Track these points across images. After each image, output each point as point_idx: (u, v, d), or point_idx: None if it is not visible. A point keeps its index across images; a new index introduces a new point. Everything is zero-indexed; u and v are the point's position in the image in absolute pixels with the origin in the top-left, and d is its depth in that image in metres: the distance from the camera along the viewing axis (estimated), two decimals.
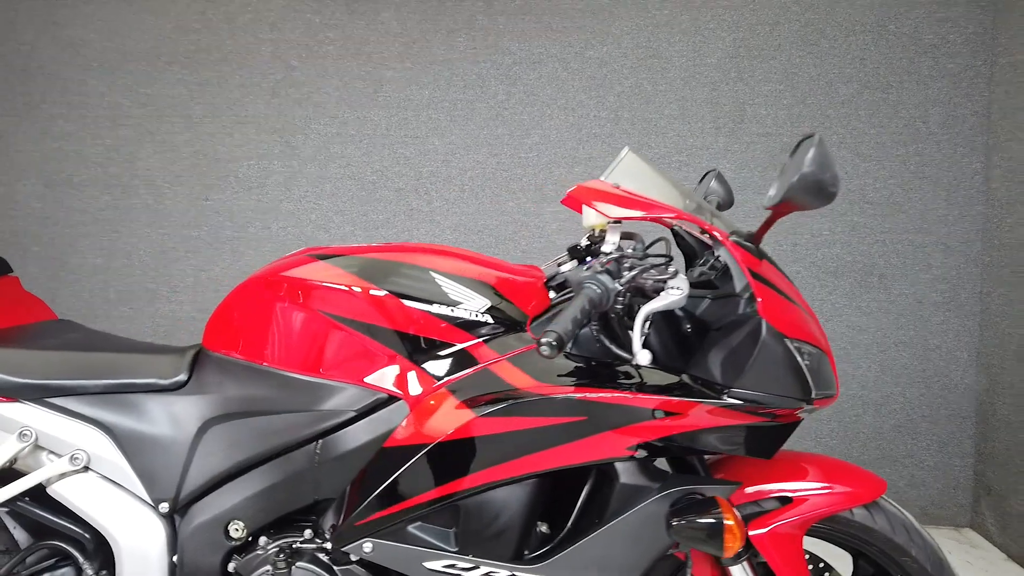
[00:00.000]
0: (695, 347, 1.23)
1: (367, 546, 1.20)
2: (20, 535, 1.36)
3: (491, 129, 3.08)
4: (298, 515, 1.29)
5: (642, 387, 1.18)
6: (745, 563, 1.22)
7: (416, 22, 3.07)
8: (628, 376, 1.22)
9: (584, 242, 1.42)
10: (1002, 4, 2.82)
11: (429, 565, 1.18)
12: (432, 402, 1.20)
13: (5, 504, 1.28)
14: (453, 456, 1.15)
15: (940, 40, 2.90)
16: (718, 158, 3.03)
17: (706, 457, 1.32)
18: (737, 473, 1.28)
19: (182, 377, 1.31)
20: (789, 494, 1.24)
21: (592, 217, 1.27)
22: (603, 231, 1.29)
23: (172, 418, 1.29)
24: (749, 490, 1.26)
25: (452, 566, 1.18)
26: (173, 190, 3.15)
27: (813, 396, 1.16)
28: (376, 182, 3.12)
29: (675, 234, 1.47)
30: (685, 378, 1.21)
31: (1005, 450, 2.73)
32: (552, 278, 1.40)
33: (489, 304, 1.27)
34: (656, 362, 1.23)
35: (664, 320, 1.27)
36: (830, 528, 1.29)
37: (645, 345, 1.21)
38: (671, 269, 1.16)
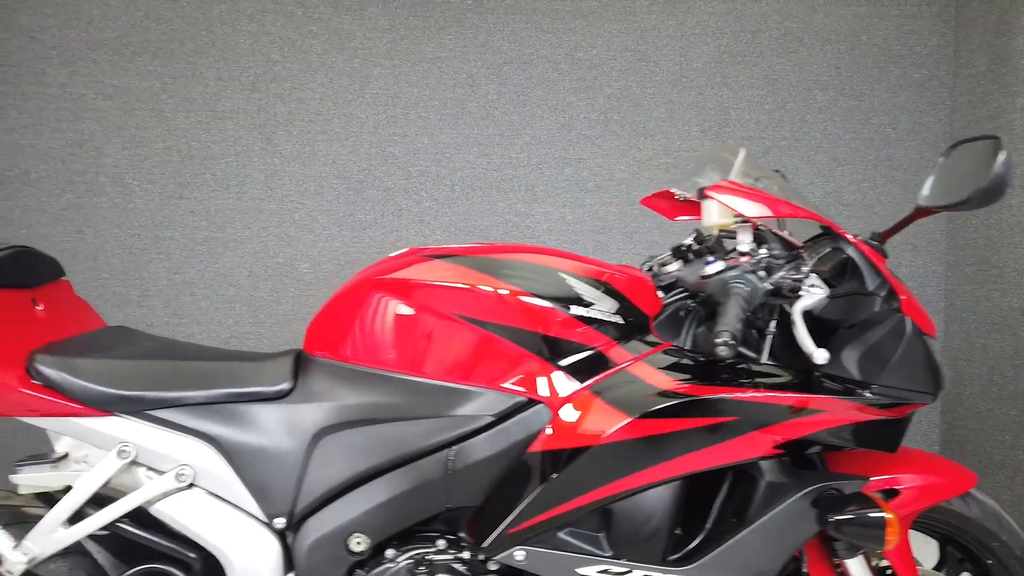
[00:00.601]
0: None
1: (519, 554, 1.17)
2: (105, 559, 1.24)
3: (481, 129, 3.06)
4: (418, 525, 1.24)
5: (780, 385, 1.21)
6: (862, 556, 1.27)
7: (404, 18, 3.00)
8: (757, 375, 1.24)
9: (687, 242, 1.43)
10: (963, 19, 3.02)
11: (582, 571, 1.16)
12: (578, 405, 1.18)
13: (105, 527, 1.17)
14: (610, 459, 1.14)
15: (907, 51, 3.08)
16: None
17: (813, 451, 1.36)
18: (846, 467, 1.33)
19: (286, 385, 1.24)
20: (896, 487, 1.30)
21: (715, 216, 1.28)
22: (723, 231, 1.30)
23: (282, 428, 1.21)
24: None
25: (606, 571, 1.17)
26: (143, 188, 2.97)
27: (941, 391, 1.21)
28: (363, 181, 3.04)
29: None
30: (818, 375, 1.24)
31: (970, 440, 2.93)
32: (655, 277, 1.40)
33: (617, 305, 1.26)
34: (776, 359, 1.25)
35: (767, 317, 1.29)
36: (925, 517, 1.36)
37: (755, 343, 1.24)
38: (804, 268, 1.18)
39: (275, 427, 1.21)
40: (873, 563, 1.34)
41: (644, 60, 3.07)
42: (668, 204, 1.63)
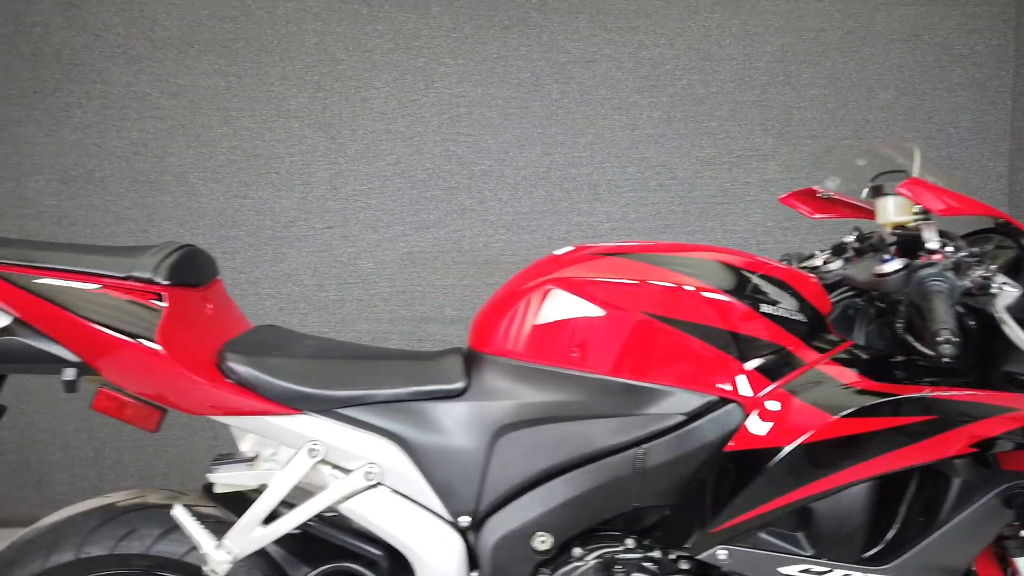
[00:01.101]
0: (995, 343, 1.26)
1: (722, 554, 1.17)
2: (284, 558, 1.24)
3: (545, 128, 3.06)
4: (598, 524, 1.24)
5: (963, 383, 1.21)
6: None
7: (468, 17, 3.00)
8: (934, 371, 1.24)
9: (848, 239, 1.43)
10: None
11: (784, 570, 1.17)
12: (776, 404, 1.18)
13: (298, 527, 1.17)
14: (812, 459, 1.15)
15: (968, 50, 3.09)
16: (766, 159, 3.12)
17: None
18: (1017, 465, 1.32)
19: (461, 384, 1.24)
20: None
21: (891, 214, 1.28)
22: (896, 229, 1.29)
23: (462, 426, 1.21)
24: None
25: (808, 571, 1.17)
26: (208, 187, 2.95)
27: None
28: (427, 180, 3.03)
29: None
30: (1003, 371, 1.24)
31: None
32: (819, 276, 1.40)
33: (799, 303, 1.27)
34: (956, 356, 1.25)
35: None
36: None
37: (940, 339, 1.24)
38: (992, 266, 1.18)
39: (455, 425, 1.21)
40: None
41: (707, 59, 3.07)
42: (808, 202, 1.63)
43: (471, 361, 1.28)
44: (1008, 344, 1.24)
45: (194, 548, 1.20)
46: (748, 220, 3.14)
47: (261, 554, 1.22)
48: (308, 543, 1.25)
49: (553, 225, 3.08)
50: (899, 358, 1.28)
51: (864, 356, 1.27)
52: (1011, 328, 1.14)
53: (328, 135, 2.98)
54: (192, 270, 1.21)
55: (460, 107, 3.02)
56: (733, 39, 3.07)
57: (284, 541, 1.22)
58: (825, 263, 1.44)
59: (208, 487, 1.34)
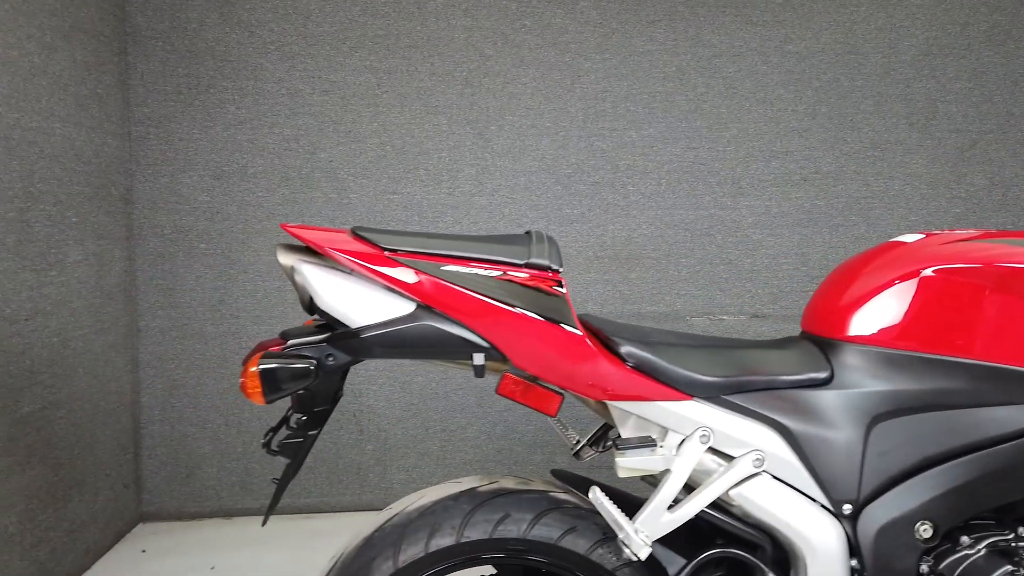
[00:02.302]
0: None
1: None
2: (670, 540, 1.23)
3: (689, 122, 3.05)
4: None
5: None
6: None
7: (615, 12, 3.00)
8: None
9: None
10: None
11: None
12: None
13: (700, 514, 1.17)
14: None
15: None
16: (910, 153, 3.10)
17: None
18: None
19: (826, 372, 1.23)
20: None
21: None
22: None
23: (836, 414, 1.20)
24: None
25: None
26: (358, 183, 2.96)
27: None
28: (572, 176, 3.03)
29: None
30: None
31: None
32: None
33: None
34: None
35: None
36: None
37: None
38: None
39: (829, 413, 1.20)
40: None
41: (853, 53, 3.06)
42: None
43: (826, 349, 1.26)
44: None
45: (568, 532, 1.20)
46: (892, 214, 3.11)
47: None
48: (693, 529, 1.25)
49: (696, 220, 3.07)
50: None
51: None
52: None
53: (475, 130, 2.99)
54: (560, 259, 1.21)
55: (605, 102, 3.02)
56: (878, 32, 3.06)
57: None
58: None
59: (556, 473, 1.34)
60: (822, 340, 1.29)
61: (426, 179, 2.99)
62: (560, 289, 1.15)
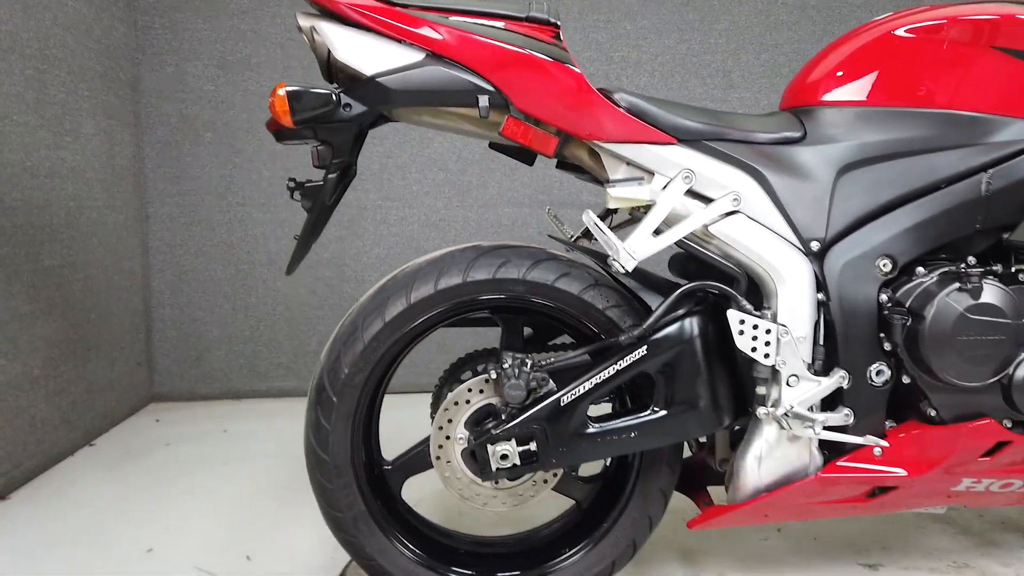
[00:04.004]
0: None
1: None
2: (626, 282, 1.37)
3: (682, 14, 3.13)
4: (930, 253, 1.33)
5: None
6: None
7: None
8: None
9: None
10: None
11: None
12: None
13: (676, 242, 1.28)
14: None
15: None
16: None
17: None
18: None
19: (799, 132, 1.34)
20: None
21: None
22: None
23: (808, 166, 1.31)
24: None
25: None
26: None
27: None
28: None
29: None
30: None
31: None
32: None
33: None
34: None
35: None
36: None
37: None
38: None
39: (802, 165, 1.31)
40: None
41: None
42: None
43: (801, 115, 1.38)
44: None
45: (562, 276, 1.31)
46: None
47: (634, 275, 1.34)
48: (655, 278, 1.38)
49: None
50: None
51: None
52: None
53: None
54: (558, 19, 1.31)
55: None
56: None
57: (636, 273, 1.35)
58: None
59: (552, 237, 1.46)
60: (798, 109, 1.41)
61: None
62: (558, 40, 1.26)
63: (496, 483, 1.35)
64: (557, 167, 1.49)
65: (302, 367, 3.14)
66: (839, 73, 1.37)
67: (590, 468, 1.51)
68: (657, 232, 1.28)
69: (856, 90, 1.35)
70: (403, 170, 3.11)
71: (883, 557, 1.65)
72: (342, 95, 1.22)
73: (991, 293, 1.25)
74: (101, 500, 2.05)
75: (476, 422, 1.33)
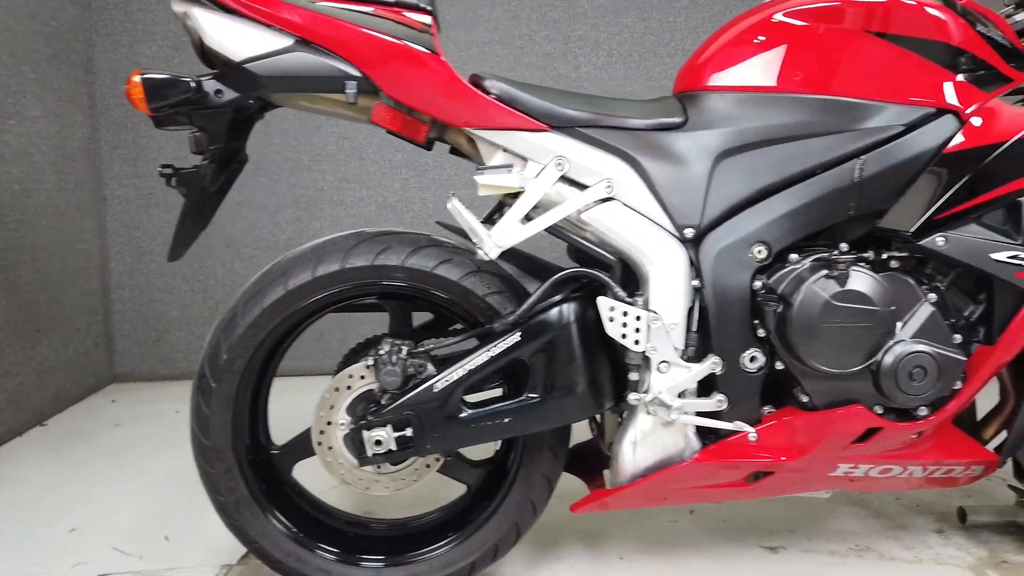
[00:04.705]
0: None
1: (940, 240, 1.27)
2: (516, 273, 1.36)
3: None
4: (807, 239, 1.33)
5: None
6: None
7: None
8: None
9: None
10: None
11: (995, 256, 1.27)
12: (989, 111, 1.28)
13: (547, 229, 1.28)
14: None
15: None
16: None
17: None
18: None
19: (680, 118, 1.33)
20: None
21: None
22: None
23: (686, 152, 1.30)
24: None
25: (1016, 256, 1.27)
26: None
27: None
28: (523, 47, 3.09)
29: None
30: None
31: None
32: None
33: (1001, 34, 1.34)
34: None
35: None
36: None
37: None
38: None
39: (679, 152, 1.31)
40: None
41: None
42: None
43: (684, 101, 1.37)
44: None
45: (443, 263, 1.32)
46: None
47: (495, 273, 1.34)
48: (530, 263, 1.38)
49: (647, 91, 3.14)
50: None
51: None
52: None
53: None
54: (436, 11, 1.30)
55: None
56: None
57: (515, 259, 1.36)
58: (1009, 16, 1.49)
59: (441, 224, 1.46)
60: (684, 95, 1.40)
61: None
62: (426, 25, 1.25)
63: (378, 468, 1.36)
64: (450, 153, 1.49)
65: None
66: (721, 58, 1.36)
67: (481, 453, 1.52)
68: (529, 219, 1.28)
69: (736, 75, 1.33)
70: (359, 151, 3.11)
71: (787, 540, 1.66)
72: (214, 81, 1.23)
73: (858, 280, 1.25)
74: (40, 480, 2.09)
75: (358, 408, 1.35)
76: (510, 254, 1.38)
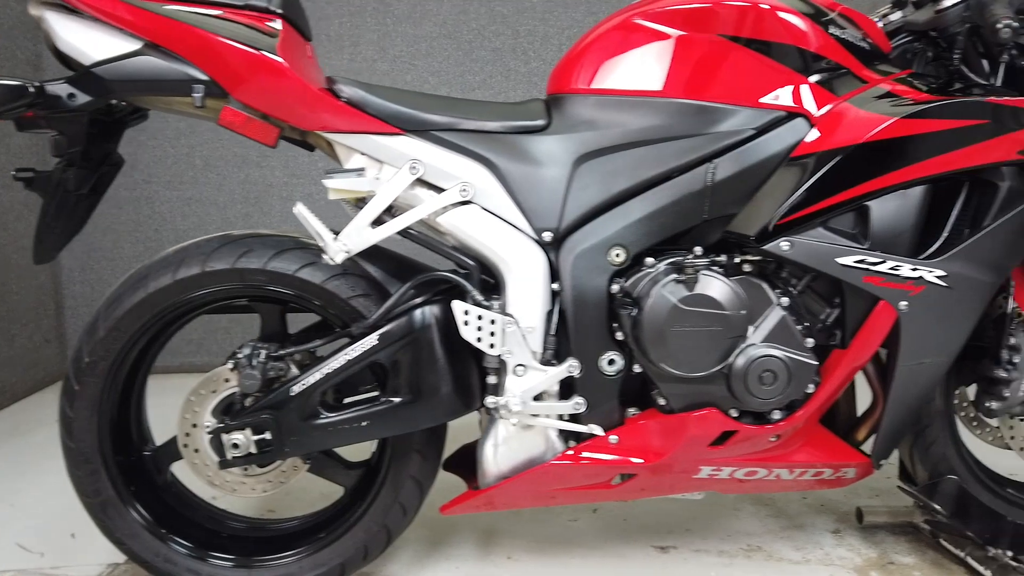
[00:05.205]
0: None
1: (785, 244, 1.26)
2: (381, 276, 1.35)
3: None
4: (667, 242, 1.32)
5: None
6: None
7: None
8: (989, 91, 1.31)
9: None
10: None
11: (841, 260, 1.26)
12: (838, 114, 1.26)
13: (400, 232, 1.28)
14: (872, 157, 1.23)
15: None
16: None
17: None
18: None
19: (543, 121, 1.33)
20: None
21: None
22: None
23: (545, 156, 1.30)
24: None
25: (862, 260, 1.25)
26: None
27: None
28: (473, 42, 3.08)
29: None
30: None
31: None
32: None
33: (863, 32, 1.33)
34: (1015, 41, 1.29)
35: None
36: None
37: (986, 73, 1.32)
38: None
39: (539, 155, 1.31)
40: None
41: None
42: None
43: (550, 104, 1.37)
44: None
45: (306, 265, 1.32)
46: None
47: (361, 275, 1.34)
48: (400, 265, 1.37)
49: None
50: (957, 86, 1.35)
51: (923, 86, 1.32)
52: None
53: None
54: (298, 14, 1.30)
55: None
56: None
57: (381, 261, 1.35)
58: (884, 16, 1.48)
59: None
60: (551, 97, 1.39)
61: (327, 45, 3.05)
62: (275, 28, 1.24)
63: (245, 470, 1.37)
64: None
65: (212, 343, 3.19)
66: (583, 61, 1.35)
67: (358, 454, 1.53)
68: (380, 223, 1.28)
69: (597, 78, 1.33)
70: None
71: (681, 539, 1.66)
72: (66, 85, 1.23)
73: (707, 284, 1.24)
74: None
75: (225, 410, 1.35)
76: (382, 256, 1.38)
